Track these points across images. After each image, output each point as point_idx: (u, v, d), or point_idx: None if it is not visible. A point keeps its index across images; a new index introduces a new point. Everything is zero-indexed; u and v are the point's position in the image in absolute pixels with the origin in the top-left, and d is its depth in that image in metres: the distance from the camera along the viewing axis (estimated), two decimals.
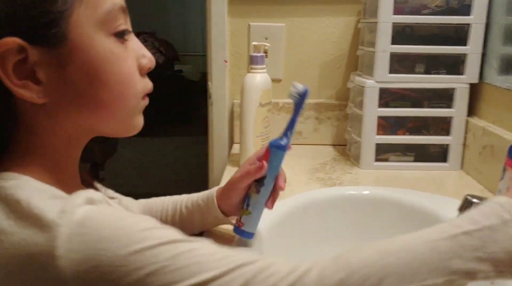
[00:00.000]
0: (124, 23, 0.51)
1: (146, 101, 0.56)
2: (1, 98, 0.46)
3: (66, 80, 0.47)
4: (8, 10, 0.43)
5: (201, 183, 1.35)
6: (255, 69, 1.12)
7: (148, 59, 0.54)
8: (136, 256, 0.40)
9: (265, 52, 1.15)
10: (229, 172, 1.14)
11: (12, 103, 0.47)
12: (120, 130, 0.55)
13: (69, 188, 0.48)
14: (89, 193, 0.45)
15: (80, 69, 0.47)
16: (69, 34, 0.46)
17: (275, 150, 0.69)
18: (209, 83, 1.35)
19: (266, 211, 0.72)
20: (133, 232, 0.42)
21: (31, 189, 0.45)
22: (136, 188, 3.06)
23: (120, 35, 0.50)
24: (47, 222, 0.41)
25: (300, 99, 0.66)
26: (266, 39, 1.32)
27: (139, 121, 0.57)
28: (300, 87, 0.65)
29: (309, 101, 1.34)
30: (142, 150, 3.64)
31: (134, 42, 0.54)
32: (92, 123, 0.52)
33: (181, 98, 4.21)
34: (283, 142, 0.69)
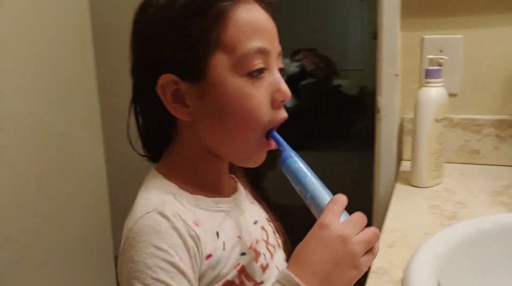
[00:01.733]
0: (262, 63, 0.59)
1: (268, 145, 0.63)
2: (169, 115, 0.61)
3: (204, 106, 0.60)
4: (168, 55, 0.59)
5: (362, 200, 1.32)
6: (431, 83, 1.07)
7: (282, 93, 0.61)
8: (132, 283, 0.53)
9: (440, 65, 1.09)
10: (399, 190, 1.10)
11: (174, 119, 0.63)
12: (238, 159, 0.66)
13: (207, 193, 0.63)
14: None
15: (214, 101, 0.59)
16: (208, 73, 0.58)
17: (287, 168, 0.61)
18: (378, 97, 1.32)
19: (444, 233, 0.68)
20: (143, 272, 0.53)
21: (155, 191, 0.61)
22: (294, 201, 3.12)
23: (253, 74, 0.59)
24: (130, 216, 0.58)
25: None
26: (441, 51, 1.26)
27: (258, 158, 0.64)
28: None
29: (488, 117, 1.24)
30: None
31: (272, 77, 0.61)
32: (218, 146, 0.63)
33: (339, 113, 4.21)
34: (283, 156, 0.62)
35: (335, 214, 0.55)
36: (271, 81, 0.61)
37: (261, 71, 0.59)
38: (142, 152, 0.68)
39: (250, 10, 0.60)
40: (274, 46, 0.62)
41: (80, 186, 1.61)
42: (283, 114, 0.63)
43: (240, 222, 0.67)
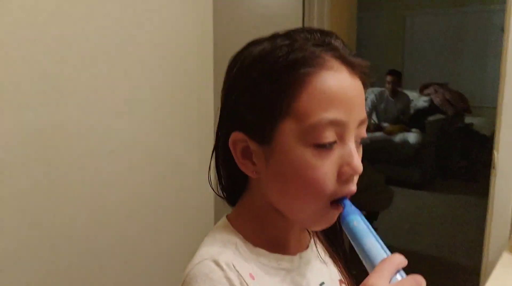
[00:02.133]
0: (333, 136, 0.57)
1: (336, 212, 0.59)
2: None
3: (268, 168, 0.60)
4: (241, 114, 0.61)
5: (471, 256, 1.20)
6: None
7: (352, 167, 0.58)
8: None
9: None
10: (506, 260, 0.99)
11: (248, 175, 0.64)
12: (303, 223, 0.65)
13: (271, 248, 0.63)
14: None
15: (277, 166, 0.59)
16: (274, 138, 0.58)
17: (346, 225, 0.58)
18: (494, 151, 1.21)
19: None
20: None
21: (218, 239, 0.63)
22: (407, 243, 2.96)
23: (319, 147, 0.57)
24: (191, 261, 0.60)
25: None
26: None
27: (324, 222, 0.62)
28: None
29: None
30: (418, 204, 3.51)
31: (345, 149, 0.58)
32: (282, 208, 0.62)
33: (469, 153, 3.91)
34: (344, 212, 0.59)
35: (383, 274, 0.51)
36: (342, 153, 0.58)
37: (326, 146, 0.57)
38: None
39: (330, 78, 0.57)
40: (353, 116, 0.58)
41: (187, 215, 1.68)
42: (351, 188, 0.59)
43: (301, 283, 0.65)
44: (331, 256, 0.75)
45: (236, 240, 0.63)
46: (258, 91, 0.59)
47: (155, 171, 1.53)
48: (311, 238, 0.73)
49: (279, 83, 0.58)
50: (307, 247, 0.70)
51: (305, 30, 0.61)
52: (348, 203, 0.59)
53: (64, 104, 1.19)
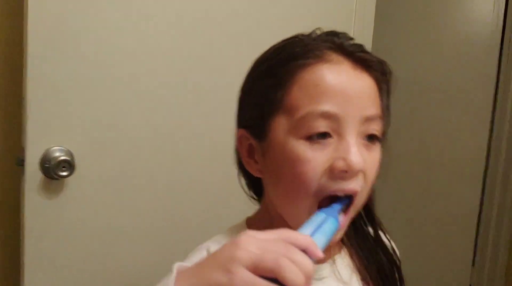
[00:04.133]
0: (325, 127, 0.54)
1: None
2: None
3: (266, 166, 0.60)
4: (244, 111, 0.63)
5: None
6: None
7: (345, 163, 0.54)
8: None
9: None
10: None
11: None
12: (291, 224, 0.58)
13: None
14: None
15: (272, 162, 0.58)
16: (269, 133, 0.58)
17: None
18: None
19: None
20: None
21: (227, 233, 0.64)
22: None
23: (313, 138, 0.54)
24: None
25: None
26: None
27: None
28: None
29: None
30: None
31: (342, 144, 0.54)
32: (278, 207, 0.61)
33: None
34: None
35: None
36: (339, 148, 0.54)
37: (322, 135, 0.54)
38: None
39: (326, 70, 0.55)
40: (351, 110, 0.55)
41: None
42: (343, 186, 0.55)
43: None
44: (363, 279, 0.67)
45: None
46: (257, 87, 0.61)
47: None
48: (339, 252, 0.66)
49: (274, 78, 0.58)
50: (325, 261, 0.64)
51: (315, 31, 0.61)
52: (336, 207, 0.54)
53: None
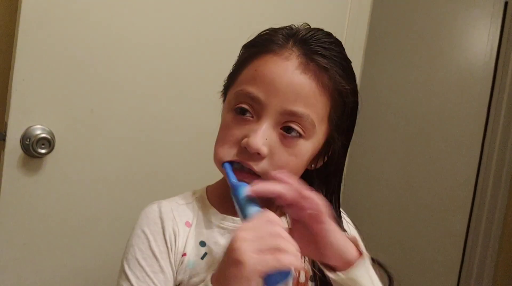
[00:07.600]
0: (247, 106, 0.64)
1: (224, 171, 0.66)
2: None
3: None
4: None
5: None
6: None
7: (247, 143, 0.63)
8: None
9: None
10: None
11: None
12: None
13: (223, 209, 0.70)
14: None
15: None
16: (225, 102, 0.71)
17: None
18: None
19: None
20: (128, 249, 0.67)
21: (186, 194, 0.74)
22: None
23: (236, 112, 0.65)
24: None
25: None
26: None
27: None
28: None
29: None
30: None
31: (254, 126, 0.64)
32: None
33: None
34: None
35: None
36: (252, 128, 0.64)
37: (243, 111, 0.64)
38: None
39: (270, 61, 0.64)
40: (275, 100, 0.63)
41: None
42: (246, 160, 0.64)
43: None
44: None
45: (197, 196, 0.73)
46: (234, 65, 0.72)
47: None
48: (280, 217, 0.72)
49: (241, 60, 0.70)
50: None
51: (297, 26, 0.69)
52: (228, 166, 0.65)
53: None
